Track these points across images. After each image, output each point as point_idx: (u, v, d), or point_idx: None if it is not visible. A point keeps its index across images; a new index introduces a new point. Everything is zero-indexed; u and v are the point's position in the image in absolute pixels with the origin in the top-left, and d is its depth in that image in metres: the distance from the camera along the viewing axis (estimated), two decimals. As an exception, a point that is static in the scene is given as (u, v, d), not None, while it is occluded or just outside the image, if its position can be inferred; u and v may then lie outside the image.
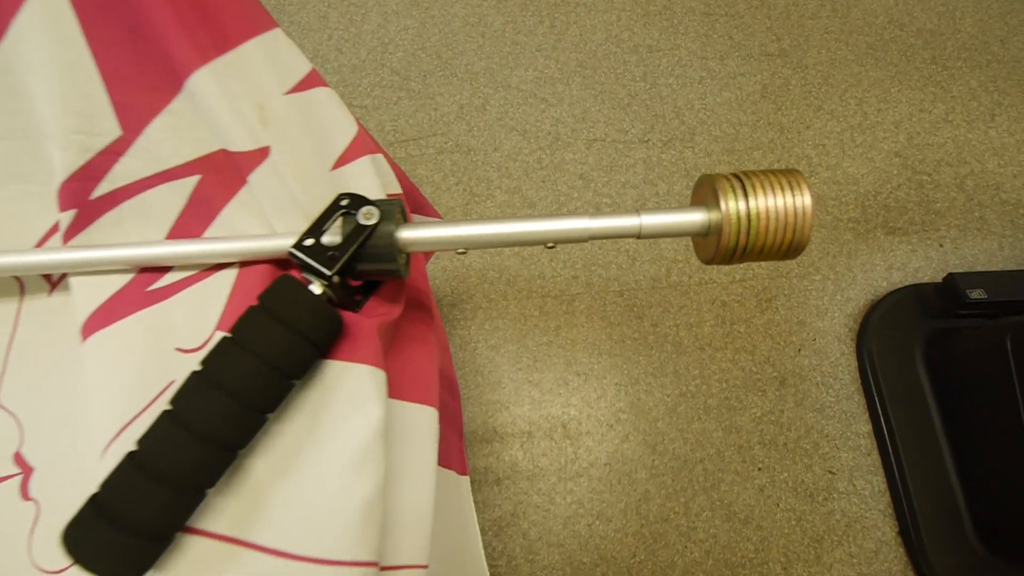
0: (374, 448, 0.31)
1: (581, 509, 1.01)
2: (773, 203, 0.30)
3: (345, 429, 0.31)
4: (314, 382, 0.33)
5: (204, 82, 0.38)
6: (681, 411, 1.07)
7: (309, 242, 0.33)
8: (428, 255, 0.88)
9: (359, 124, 0.43)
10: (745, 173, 0.31)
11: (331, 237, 0.33)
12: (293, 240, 0.34)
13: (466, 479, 0.69)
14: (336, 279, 0.32)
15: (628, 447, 1.04)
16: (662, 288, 1.15)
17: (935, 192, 1.23)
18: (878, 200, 1.22)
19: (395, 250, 0.34)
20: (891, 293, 1.13)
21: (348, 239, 0.33)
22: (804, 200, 0.30)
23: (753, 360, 1.10)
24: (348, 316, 0.34)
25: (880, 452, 1.04)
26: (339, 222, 0.34)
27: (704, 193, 0.33)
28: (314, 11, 1.42)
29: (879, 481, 1.03)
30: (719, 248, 0.31)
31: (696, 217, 0.32)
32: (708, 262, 0.33)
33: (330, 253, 0.33)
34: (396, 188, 0.43)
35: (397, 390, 0.37)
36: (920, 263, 1.18)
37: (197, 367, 0.30)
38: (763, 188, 0.30)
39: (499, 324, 1.13)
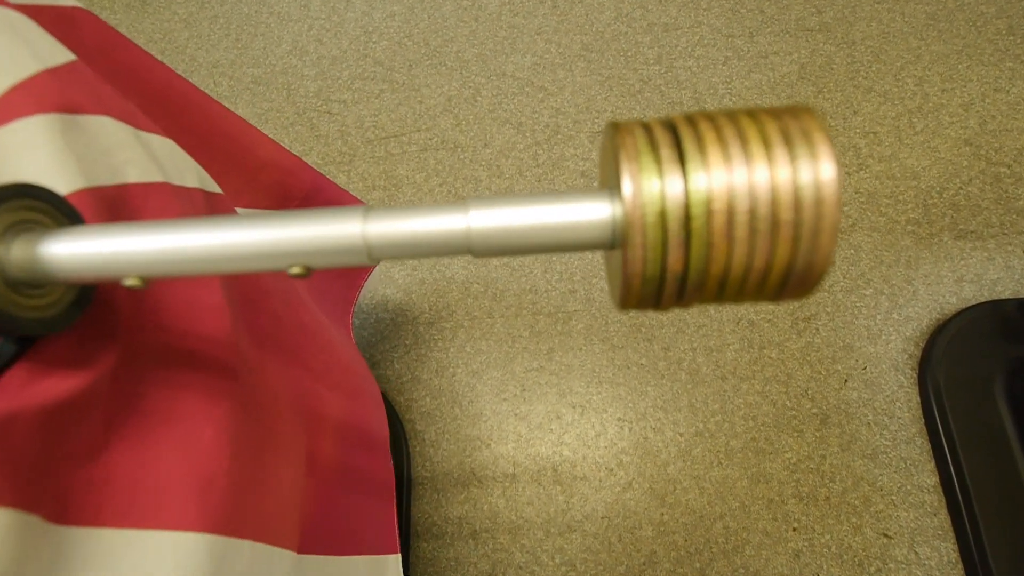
0: None
1: (573, 572, 0.84)
2: (746, 179, 0.14)
3: None
4: None
5: None
6: (697, 454, 0.88)
7: None
8: (359, 271, 0.72)
9: (71, 68, 0.27)
10: (690, 118, 0.15)
11: None
12: None
13: (395, 558, 0.54)
14: None
15: (631, 497, 0.87)
16: (676, 304, 0.97)
17: (1016, 187, 1.01)
18: (944, 197, 1.01)
19: None
20: (963, 311, 0.92)
21: None
22: (819, 170, 0.14)
23: (787, 393, 0.91)
24: None
25: (950, 512, 0.83)
26: None
27: (606, 162, 0.16)
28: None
29: (949, 549, 0.82)
30: (626, 276, 0.15)
31: (583, 212, 0.16)
32: (621, 305, 0.17)
33: None
34: (151, 175, 0.27)
35: (114, 513, 0.22)
36: (999, 274, 0.95)
37: None
38: (722, 147, 0.14)
39: (482, 346, 0.97)
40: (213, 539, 0.25)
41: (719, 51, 1.17)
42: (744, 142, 0.14)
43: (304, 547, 0.37)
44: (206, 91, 0.44)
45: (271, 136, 0.57)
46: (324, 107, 1.19)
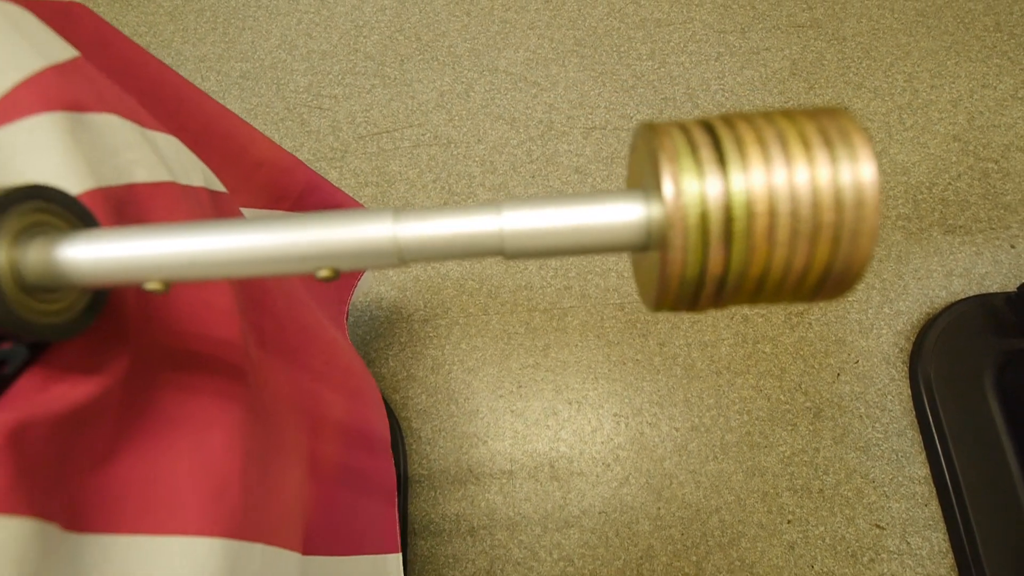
0: None
1: (570, 567, 0.84)
2: (787, 180, 0.14)
3: None
4: None
5: None
6: (693, 449, 0.89)
7: None
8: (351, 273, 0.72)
9: (74, 64, 0.26)
10: (727, 119, 0.15)
11: None
12: None
13: (395, 557, 0.53)
14: None
15: (628, 492, 0.87)
16: (670, 300, 0.97)
17: (1004, 183, 1.03)
18: (934, 193, 1.02)
19: None
20: (952, 305, 0.93)
21: None
22: (859, 172, 0.14)
23: (781, 387, 0.91)
24: None
25: (941, 502, 0.85)
26: None
27: (640, 162, 0.16)
28: (284, -7, 1.29)
29: (940, 539, 0.83)
30: (664, 278, 0.15)
31: (619, 213, 0.15)
32: (655, 307, 0.17)
33: None
34: (158, 175, 0.27)
35: (129, 519, 0.21)
36: (987, 268, 0.97)
37: None
38: (762, 148, 0.14)
39: (478, 343, 0.97)
40: (227, 543, 0.25)
41: (711, 47, 1.17)
42: (783, 143, 0.14)
43: (308, 548, 0.37)
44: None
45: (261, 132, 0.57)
46: (315, 102, 1.17)
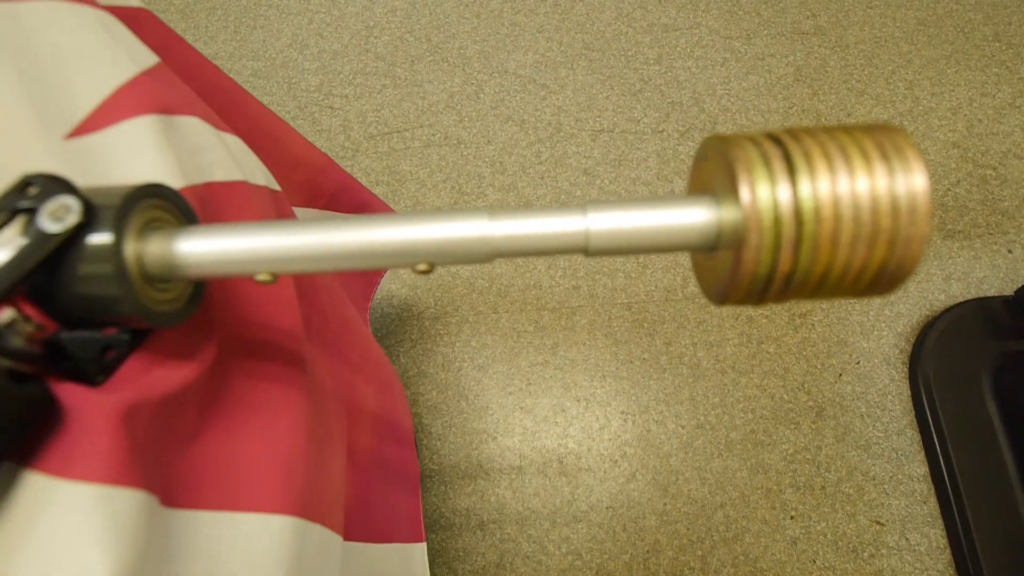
0: None
1: (579, 561, 0.86)
2: (849, 189, 0.15)
3: None
4: None
5: None
6: (698, 446, 0.91)
7: None
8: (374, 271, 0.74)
9: (158, 69, 0.28)
10: (792, 132, 0.17)
11: None
12: None
13: (421, 546, 0.55)
14: (20, 332, 0.18)
15: (635, 488, 0.89)
16: (677, 300, 0.99)
17: (1001, 189, 1.05)
18: (933, 198, 1.05)
19: (125, 277, 0.20)
20: (951, 308, 0.96)
21: (20, 258, 0.19)
22: (913, 182, 0.16)
23: (784, 386, 0.94)
24: (72, 394, 0.20)
25: (939, 500, 0.87)
26: (19, 226, 0.20)
27: (711, 172, 0.18)
28: (295, -8, 1.30)
29: (938, 535, 0.85)
30: (737, 276, 0.16)
31: (694, 217, 0.17)
32: (720, 301, 0.19)
33: (-11, 284, 0.18)
34: (232, 174, 0.28)
35: (214, 496, 0.23)
36: (985, 272, 1.00)
37: None
38: (826, 160, 0.16)
39: (488, 341, 0.99)
40: (295, 521, 0.26)
41: (717, 52, 1.19)
42: (845, 155, 0.16)
43: (348, 533, 0.38)
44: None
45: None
46: (326, 101, 1.19)
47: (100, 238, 0.19)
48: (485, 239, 0.18)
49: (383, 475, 0.47)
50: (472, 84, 1.18)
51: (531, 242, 0.18)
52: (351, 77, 1.21)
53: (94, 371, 0.21)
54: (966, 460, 0.86)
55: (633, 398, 0.94)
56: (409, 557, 0.52)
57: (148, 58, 0.28)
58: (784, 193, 0.16)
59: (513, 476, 0.91)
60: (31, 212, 0.19)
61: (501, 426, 0.93)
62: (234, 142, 0.31)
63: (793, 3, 1.24)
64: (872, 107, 1.13)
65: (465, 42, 1.23)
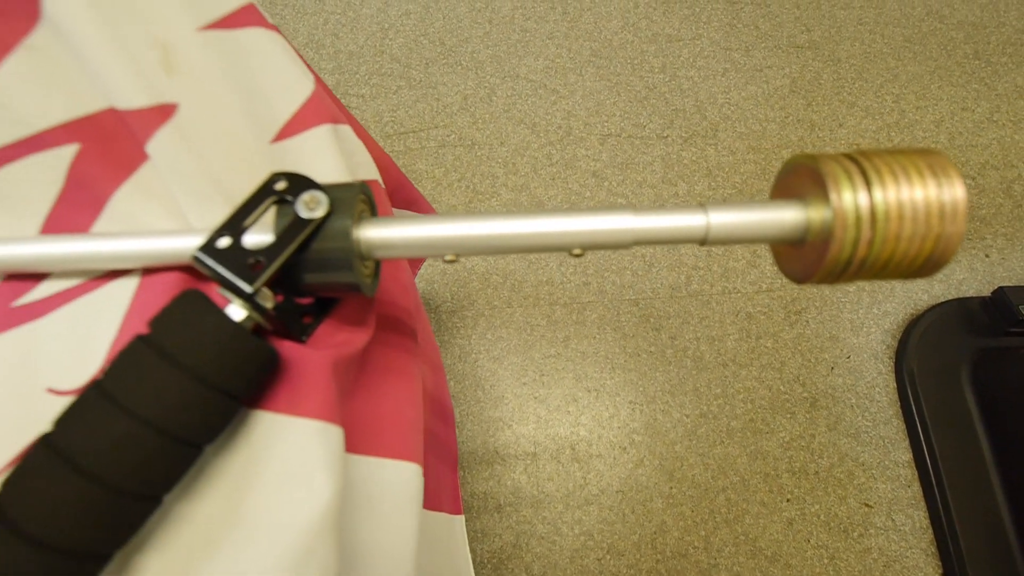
0: (321, 541, 0.22)
1: (590, 541, 0.91)
2: (909, 196, 0.21)
3: (280, 514, 0.22)
4: (234, 445, 0.23)
5: (74, 6, 0.28)
6: (702, 434, 0.97)
7: (223, 243, 0.23)
8: (416, 262, 0.78)
9: (318, 81, 0.32)
10: (863, 153, 0.22)
11: (258, 236, 0.23)
12: (202, 239, 0.23)
13: (460, 519, 0.60)
14: (267, 297, 0.23)
15: (643, 472, 0.95)
16: (681, 297, 1.05)
17: (979, 198, 1.13)
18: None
19: (353, 255, 0.24)
20: (933, 308, 1.03)
21: (282, 239, 0.23)
22: (954, 193, 0.21)
23: (781, 378, 1.00)
24: (289, 349, 0.25)
25: (922, 484, 0.94)
26: (271, 215, 0.24)
27: (798, 182, 0.23)
28: (310, -7, 1.33)
29: (921, 516, 0.93)
30: (824, 261, 0.22)
31: (788, 216, 0.23)
32: (801, 280, 0.24)
33: (253, 259, 0.23)
34: (371, 173, 0.33)
35: (367, 444, 0.27)
36: (964, 275, 1.07)
37: (48, 429, 0.20)
38: (892, 175, 0.21)
39: (503, 334, 1.03)
40: (419, 469, 0.31)
41: (718, 63, 1.25)
42: (906, 172, 0.21)
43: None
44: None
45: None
46: (343, 101, 1.22)
47: (341, 224, 0.24)
48: (631, 231, 0.23)
49: (435, 450, 0.51)
50: (485, 87, 1.23)
51: (663, 233, 0.23)
52: (367, 78, 1.25)
53: (299, 332, 0.25)
54: (947, 447, 0.94)
55: (640, 389, 1.00)
56: (451, 527, 0.57)
57: (311, 73, 0.33)
58: (863, 199, 0.21)
59: (528, 462, 0.95)
60: (282, 203, 0.24)
61: (516, 415, 0.98)
62: (351, 137, 0.36)
63: (789, 17, 1.30)
64: (862, 119, 1.20)
65: (478, 46, 1.27)
